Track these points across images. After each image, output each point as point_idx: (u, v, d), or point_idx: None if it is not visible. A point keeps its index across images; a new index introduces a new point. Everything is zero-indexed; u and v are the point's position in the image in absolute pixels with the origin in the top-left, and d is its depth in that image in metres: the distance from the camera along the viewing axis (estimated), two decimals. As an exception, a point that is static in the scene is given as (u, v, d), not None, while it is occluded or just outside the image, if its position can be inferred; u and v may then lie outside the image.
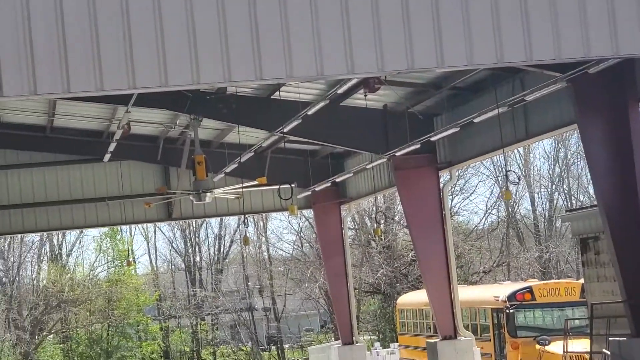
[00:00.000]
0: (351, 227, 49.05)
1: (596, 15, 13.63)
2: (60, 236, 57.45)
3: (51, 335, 55.50)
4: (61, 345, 55.97)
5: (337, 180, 29.55)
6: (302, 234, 57.57)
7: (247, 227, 38.14)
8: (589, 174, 18.75)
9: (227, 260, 62.33)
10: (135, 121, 24.40)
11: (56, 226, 32.19)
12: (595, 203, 18.65)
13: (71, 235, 57.16)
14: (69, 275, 56.79)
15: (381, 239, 51.59)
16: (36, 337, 54.02)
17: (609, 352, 18.32)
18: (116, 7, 12.53)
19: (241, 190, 26.65)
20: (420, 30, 13.16)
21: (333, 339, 38.35)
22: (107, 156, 27.48)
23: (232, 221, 57.88)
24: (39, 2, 12.34)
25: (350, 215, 41.23)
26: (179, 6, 12.62)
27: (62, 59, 12.40)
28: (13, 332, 54.38)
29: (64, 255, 59.56)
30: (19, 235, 51.45)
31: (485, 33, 13.34)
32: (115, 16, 12.55)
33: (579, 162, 53.01)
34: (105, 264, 58.25)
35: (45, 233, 50.83)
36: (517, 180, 46.34)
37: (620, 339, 17.97)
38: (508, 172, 31.65)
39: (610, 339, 18.42)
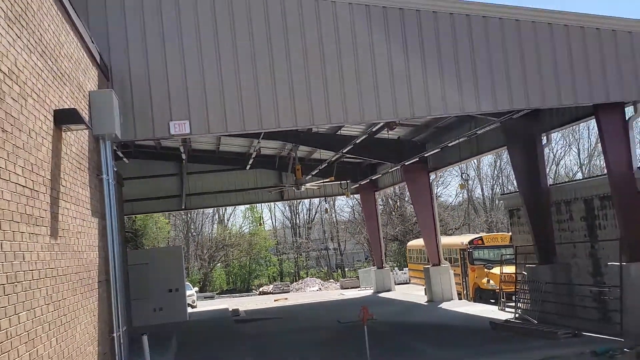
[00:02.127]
0: (381, 204, 48.89)
1: (516, 82, 13.42)
2: (223, 210, 58.18)
3: (219, 264, 56.15)
4: (224, 269, 56.60)
5: (373, 178, 29.48)
6: (354, 207, 57.56)
7: (327, 203, 38.22)
8: (513, 174, 18.62)
9: (313, 221, 62.51)
10: (263, 147, 24.65)
11: (221, 204, 32.61)
12: (517, 190, 18.43)
13: (229, 209, 57.93)
14: (227, 231, 57.46)
15: (398, 210, 51.63)
16: (210, 265, 54.75)
17: (525, 273, 18.14)
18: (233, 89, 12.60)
19: (320, 184, 26.82)
20: (418, 93, 13.04)
21: (372, 265, 38.35)
22: (248, 166, 27.81)
23: (315, 201, 58.22)
24: (212, 79, 12.49)
25: (380, 197, 41.09)
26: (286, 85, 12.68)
27: (222, 112, 12.55)
28: (198, 262, 55.18)
29: (225, 220, 60.31)
30: (202, 210, 52.41)
31: (454, 95, 13.20)
32: (249, 87, 12.66)
33: (508, 167, 52.83)
34: (248, 225, 58.91)
35: (215, 208, 51.56)
36: (467, 179, 47.10)
37: (531, 266, 17.79)
38: (462, 174, 32.59)
39: (526, 266, 18.25)
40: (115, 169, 11.71)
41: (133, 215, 36.43)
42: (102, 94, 10.59)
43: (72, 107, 8.89)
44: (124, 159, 23.38)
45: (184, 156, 24.25)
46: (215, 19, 12.54)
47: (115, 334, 10.54)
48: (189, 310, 27.29)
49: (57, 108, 8.22)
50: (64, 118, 8.27)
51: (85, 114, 9.89)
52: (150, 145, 24.83)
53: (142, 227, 44.51)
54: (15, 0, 6.79)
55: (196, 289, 40.44)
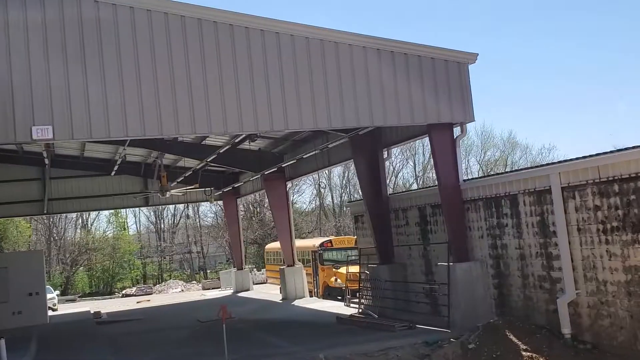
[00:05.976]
0: (242, 210, 48.29)
1: (362, 104, 13.78)
2: (87, 215, 54.64)
3: (81, 267, 52.67)
4: (87, 273, 53.15)
5: (235, 185, 29.18)
6: (217, 213, 56.39)
7: (190, 210, 37.20)
8: (359, 184, 19.07)
9: (178, 226, 60.55)
10: (129, 154, 23.55)
11: (85, 209, 30.85)
12: (361, 198, 18.93)
13: (93, 214, 54.51)
14: (91, 235, 54.21)
15: (258, 215, 51.51)
16: (73, 269, 51.28)
17: (367, 272, 18.62)
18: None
19: (185, 190, 26.16)
20: (276, 109, 13.10)
21: (233, 267, 37.84)
22: (113, 172, 26.44)
23: (180, 206, 56.39)
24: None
25: (242, 204, 40.76)
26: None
27: (87, 119, 11.87)
28: (60, 265, 51.50)
29: (89, 225, 56.71)
30: (65, 214, 49.04)
31: (308, 112, 13.36)
32: (114, 95, 12.07)
33: (355, 178, 53.63)
34: (112, 229, 55.85)
35: (78, 213, 48.58)
36: (324, 186, 47.90)
37: (373, 266, 18.32)
38: (320, 183, 33.01)
39: (368, 265, 18.75)
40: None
41: (-8, 219, 33.55)
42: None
43: None
44: (-18, 163, 21.41)
45: (46, 161, 22.57)
46: (82, 37, 11.90)
47: (-33, 340, 9.56)
48: (50, 313, 25.86)
49: None
50: None
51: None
52: (12, 149, 22.95)
53: (2, 230, 41.07)
54: None
55: (57, 292, 37.64)
